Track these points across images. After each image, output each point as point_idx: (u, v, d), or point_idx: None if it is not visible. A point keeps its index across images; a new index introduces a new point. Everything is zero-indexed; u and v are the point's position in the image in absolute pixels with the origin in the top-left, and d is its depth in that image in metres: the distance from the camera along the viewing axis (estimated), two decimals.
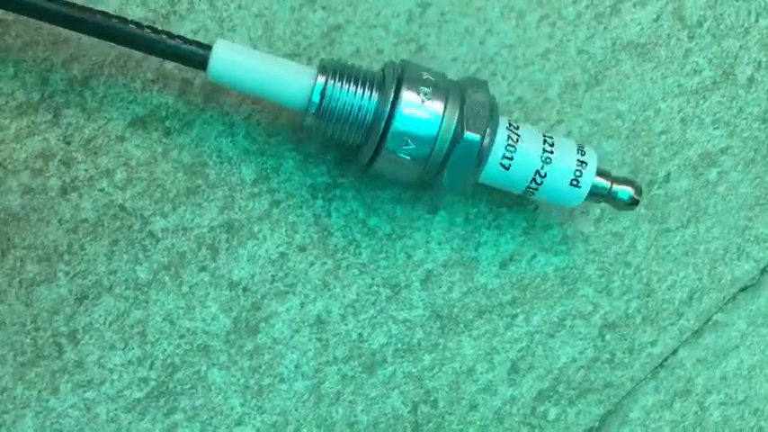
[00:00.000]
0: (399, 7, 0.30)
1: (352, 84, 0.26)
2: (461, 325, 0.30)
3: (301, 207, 0.29)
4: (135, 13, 0.28)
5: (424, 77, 0.26)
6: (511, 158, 0.27)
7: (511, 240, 0.31)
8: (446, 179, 0.27)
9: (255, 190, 0.29)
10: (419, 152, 0.26)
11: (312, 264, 0.29)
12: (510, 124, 0.27)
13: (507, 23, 0.31)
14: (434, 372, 0.30)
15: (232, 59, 0.26)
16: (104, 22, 0.25)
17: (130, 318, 0.28)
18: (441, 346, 0.30)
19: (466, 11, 0.31)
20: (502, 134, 0.27)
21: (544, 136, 0.28)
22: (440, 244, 0.30)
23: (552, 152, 0.27)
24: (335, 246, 0.30)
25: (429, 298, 0.30)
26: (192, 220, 0.29)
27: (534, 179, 0.27)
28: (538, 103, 0.31)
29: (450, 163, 0.26)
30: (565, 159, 0.28)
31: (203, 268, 0.29)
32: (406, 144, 0.26)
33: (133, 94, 0.28)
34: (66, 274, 0.28)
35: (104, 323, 0.28)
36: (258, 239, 0.29)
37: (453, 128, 0.26)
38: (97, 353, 0.28)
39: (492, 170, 0.27)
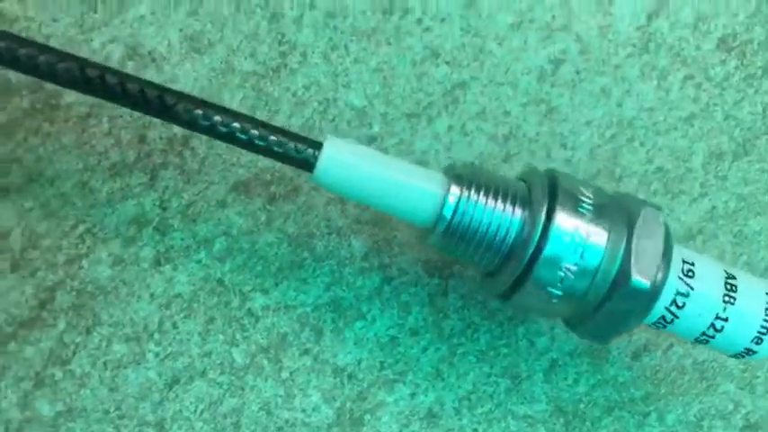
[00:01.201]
0: (530, 64, 0.27)
1: (491, 198, 0.22)
2: (588, 423, 0.27)
3: (416, 285, 0.26)
4: (243, 66, 0.25)
5: (581, 192, 0.22)
6: (681, 307, 0.22)
7: (645, 329, 0.27)
8: (598, 325, 0.22)
9: (366, 265, 0.26)
10: (575, 286, 0.21)
11: (425, 349, 0.26)
12: (684, 263, 0.23)
13: (648, 84, 0.28)
14: None
15: (344, 162, 0.22)
16: (184, 111, 0.21)
17: (224, 406, 0.25)
18: None
19: (602, 69, 0.27)
20: (673, 278, 0.22)
21: (726, 275, 0.23)
22: (566, 331, 0.27)
23: (733, 304, 0.22)
24: (451, 330, 0.26)
25: (553, 391, 0.27)
26: (296, 298, 0.26)
27: (704, 333, 0.23)
28: (679, 173, 0.28)
29: (607, 306, 0.22)
30: (747, 318, 0.23)
31: (306, 352, 0.26)
32: (559, 276, 0.21)
33: (236, 155, 0.25)
34: (156, 355, 0.25)
35: (195, 411, 0.25)
36: (367, 320, 0.26)
37: (618, 264, 0.21)
38: None
39: (653, 318, 0.23)
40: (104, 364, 0.25)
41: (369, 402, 0.26)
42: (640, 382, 0.28)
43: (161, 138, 0.25)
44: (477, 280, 0.26)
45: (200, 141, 0.25)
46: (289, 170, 0.26)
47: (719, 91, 0.28)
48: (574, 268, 0.21)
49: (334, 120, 0.26)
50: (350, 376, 0.26)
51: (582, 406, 0.27)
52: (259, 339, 0.26)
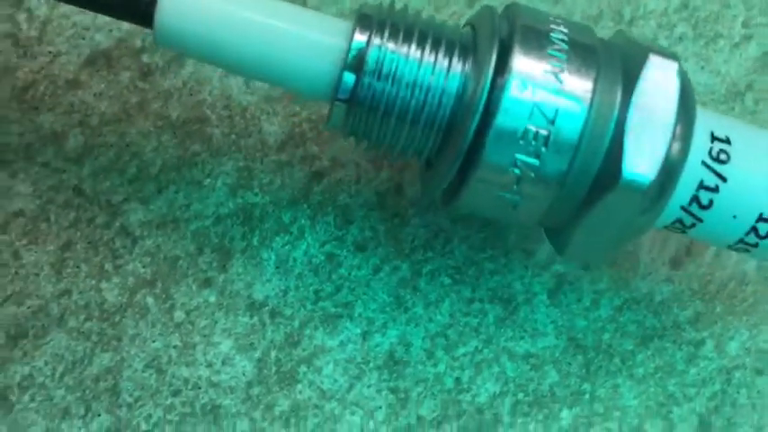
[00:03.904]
0: None
1: (415, 46, 0.15)
2: (617, 359, 0.20)
3: (358, 182, 0.19)
4: None
5: (553, 32, 0.15)
6: (706, 207, 0.16)
7: None
8: (582, 236, 0.16)
9: (284, 158, 0.19)
10: (547, 170, 0.15)
11: (377, 270, 0.19)
12: (714, 140, 0.16)
13: None
14: None
15: (195, 6, 0.15)
16: None
17: (94, 365, 0.18)
18: (587, 396, 0.20)
19: None
20: (695, 162, 0.16)
21: None
22: None
23: None
24: (413, 241, 0.19)
25: (563, 318, 0.20)
26: (188, 208, 0.19)
27: (743, 241, 0.16)
28: (713, 10, 0.21)
29: (592, 209, 0.15)
30: None
31: (207, 283, 0.19)
32: (522, 155, 0.15)
33: (90, 15, 0.18)
34: None
35: (53, 375, 0.18)
36: (292, 234, 0.19)
37: (609, 137, 0.15)
38: (43, 423, 0.18)
39: (665, 220, 0.16)
40: None
41: (302, 349, 0.19)
42: (686, 299, 0.20)
43: None
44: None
45: (38, 0, 0.18)
46: None
47: None
48: (542, 144, 0.15)
49: None
50: (273, 314, 0.19)
51: (606, 337, 0.20)
52: (139, 269, 0.18)
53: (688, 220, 0.16)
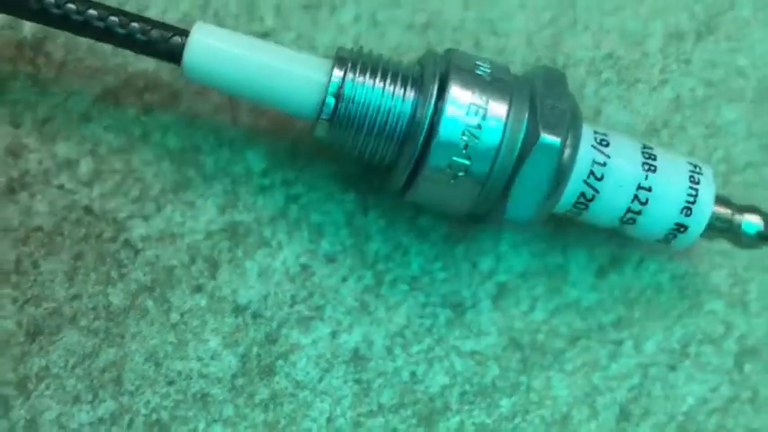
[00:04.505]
0: None
1: (379, 79, 0.20)
2: (549, 356, 0.23)
3: (328, 203, 0.22)
4: None
5: (479, 68, 0.20)
6: (599, 179, 0.20)
7: (609, 240, 0.23)
8: (512, 204, 0.20)
9: (266, 182, 0.22)
10: (475, 169, 0.19)
11: (345, 278, 0.22)
12: (596, 133, 0.21)
13: None
14: (517, 422, 0.22)
15: (215, 49, 0.19)
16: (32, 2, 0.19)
17: (101, 359, 0.21)
18: (523, 387, 0.22)
19: None
20: (587, 147, 0.20)
21: (644, 152, 0.21)
22: (515, 247, 0.23)
23: (655, 171, 0.20)
24: (376, 253, 0.22)
25: (504, 320, 0.23)
26: (183, 225, 0.22)
27: (630, 210, 0.20)
28: (634, 59, 0.24)
29: (519, 179, 0.19)
30: (671, 186, 0.21)
31: (198, 288, 0.21)
32: (457, 158, 0.19)
33: (100, 59, 0.22)
34: (14, 301, 0.21)
35: (65, 366, 0.21)
36: (271, 247, 0.22)
37: (523, 133, 0.19)
38: (57, 408, 0.21)
39: (572, 196, 0.20)
40: None
41: (280, 345, 0.22)
42: (609, 304, 0.23)
43: (6, 45, 0.21)
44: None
45: (55, 45, 0.21)
46: (166, 74, 0.22)
47: None
48: (473, 146, 0.19)
49: (217, 14, 0.22)
50: (255, 315, 0.22)
51: (541, 337, 0.23)
52: (140, 276, 0.21)
53: (589, 193, 0.20)
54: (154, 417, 0.21)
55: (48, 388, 0.21)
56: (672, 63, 0.24)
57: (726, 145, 0.24)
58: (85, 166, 0.21)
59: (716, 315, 0.23)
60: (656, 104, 0.24)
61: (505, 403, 0.22)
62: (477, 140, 0.19)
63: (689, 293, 0.23)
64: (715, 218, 0.21)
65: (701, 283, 0.24)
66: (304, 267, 0.22)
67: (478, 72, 0.20)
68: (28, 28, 0.21)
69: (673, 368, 0.23)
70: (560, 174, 0.19)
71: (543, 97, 0.19)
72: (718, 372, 0.23)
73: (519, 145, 0.19)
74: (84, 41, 0.21)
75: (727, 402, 0.23)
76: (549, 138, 0.19)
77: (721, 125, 0.24)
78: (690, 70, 0.24)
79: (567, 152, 0.20)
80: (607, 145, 0.20)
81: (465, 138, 0.19)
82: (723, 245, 0.23)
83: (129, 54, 0.21)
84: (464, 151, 0.19)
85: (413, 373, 0.22)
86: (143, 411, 0.21)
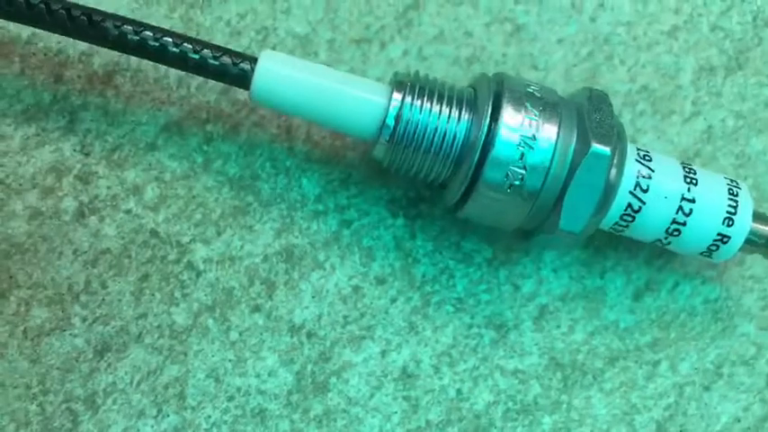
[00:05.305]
0: None
1: (435, 102, 0.20)
2: (589, 376, 0.24)
3: (378, 228, 0.23)
4: None
5: (529, 91, 0.21)
6: (645, 191, 0.21)
7: (645, 265, 0.24)
8: (565, 214, 0.20)
9: (320, 207, 0.23)
10: (530, 179, 0.20)
11: (394, 300, 0.23)
12: (639, 149, 0.22)
13: None
14: None
15: (282, 75, 0.20)
16: (113, 27, 0.20)
17: (165, 375, 0.22)
18: (564, 405, 0.23)
19: None
20: (631, 161, 0.21)
21: (684, 167, 0.22)
22: (555, 271, 0.24)
23: (696, 184, 0.21)
24: (423, 276, 0.23)
25: (545, 341, 0.23)
26: (242, 248, 0.23)
27: (675, 221, 0.21)
28: (667, 91, 0.25)
29: (571, 190, 0.20)
30: (712, 198, 0.22)
31: (257, 308, 0.22)
32: (514, 167, 0.20)
33: (166, 92, 0.23)
34: (84, 319, 0.22)
35: (131, 382, 0.22)
36: (325, 270, 0.23)
37: (574, 145, 0.20)
38: (123, 422, 0.22)
39: (620, 209, 0.21)
40: (24, 332, 0.22)
41: (333, 363, 0.23)
42: (645, 326, 0.24)
43: (79, 77, 0.22)
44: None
45: (123, 79, 0.23)
46: (227, 106, 0.23)
47: (703, 1, 0.25)
48: (523, 168, 0.20)
49: (274, 48, 0.23)
50: (309, 334, 0.23)
51: (581, 357, 0.24)
52: (202, 297, 0.22)
53: (636, 205, 0.21)
54: (214, 431, 0.22)
55: (114, 403, 0.22)
56: (703, 95, 0.25)
57: (755, 174, 0.25)
58: (151, 192, 0.23)
59: (748, 337, 0.24)
60: (689, 135, 0.25)
61: (547, 421, 0.23)
62: (532, 151, 0.20)
63: (722, 316, 0.24)
64: (752, 232, 0.22)
65: (733, 306, 0.24)
66: (355, 289, 0.23)
67: (529, 90, 0.21)
68: (98, 62, 0.23)
69: (707, 388, 0.24)
70: (610, 184, 0.20)
71: (590, 113, 0.21)
72: (751, 391, 0.24)
73: (570, 156, 0.20)
74: (150, 74, 0.22)
75: (759, 421, 0.24)
76: (599, 147, 0.20)
77: (751, 155, 0.25)
78: (720, 102, 0.25)
79: (616, 162, 0.20)
80: (650, 160, 0.21)
81: (521, 148, 0.20)
82: (754, 270, 0.25)
83: (192, 86, 0.23)
84: (520, 161, 0.20)
85: (459, 391, 0.23)
86: (204, 426, 0.22)
